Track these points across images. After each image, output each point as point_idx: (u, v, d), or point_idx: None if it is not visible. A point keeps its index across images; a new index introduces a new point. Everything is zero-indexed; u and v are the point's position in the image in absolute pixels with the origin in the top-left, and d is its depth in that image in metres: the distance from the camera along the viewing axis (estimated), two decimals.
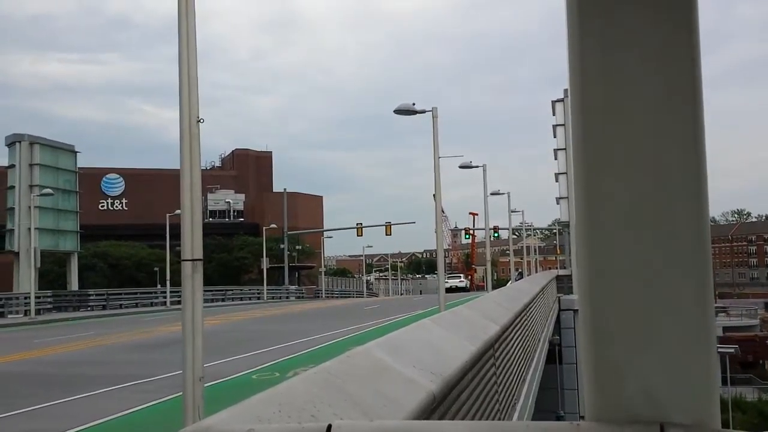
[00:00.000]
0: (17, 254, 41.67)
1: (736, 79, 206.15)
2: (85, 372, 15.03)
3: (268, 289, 59.79)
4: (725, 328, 55.28)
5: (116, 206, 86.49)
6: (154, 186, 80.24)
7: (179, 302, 8.14)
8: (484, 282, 63.12)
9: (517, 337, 8.90)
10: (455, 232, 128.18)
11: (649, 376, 1.07)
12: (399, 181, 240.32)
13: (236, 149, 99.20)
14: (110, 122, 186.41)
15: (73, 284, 47.10)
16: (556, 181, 38.65)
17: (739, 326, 60.67)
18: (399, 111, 23.35)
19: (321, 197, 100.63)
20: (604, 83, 1.06)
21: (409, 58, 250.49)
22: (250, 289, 61.84)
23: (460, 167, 35.79)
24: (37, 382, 13.95)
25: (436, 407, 2.92)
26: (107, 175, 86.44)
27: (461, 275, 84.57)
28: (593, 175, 1.07)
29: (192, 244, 7.73)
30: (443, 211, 37.12)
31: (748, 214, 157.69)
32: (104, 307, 43.17)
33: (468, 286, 76.55)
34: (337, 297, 70.48)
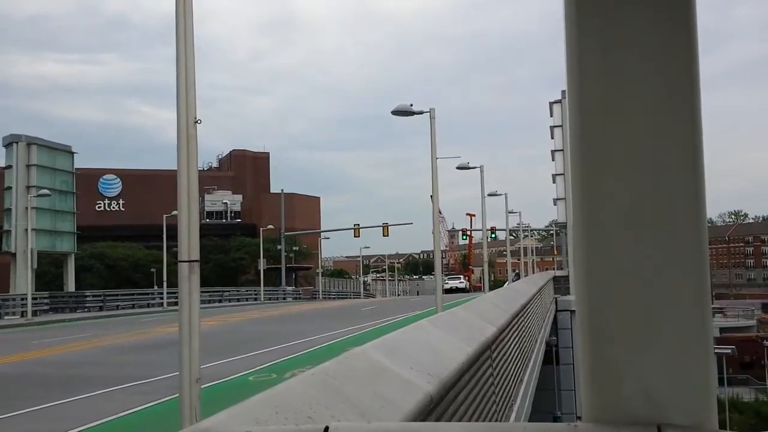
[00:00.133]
0: (14, 255, 41.59)
1: (734, 79, 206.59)
2: (83, 373, 15.00)
3: (265, 290, 59.76)
4: (722, 329, 55.43)
5: (113, 207, 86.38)
6: (151, 187, 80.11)
7: (176, 303, 8.13)
8: (481, 283, 63.17)
9: (514, 338, 8.90)
10: (452, 233, 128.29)
11: (646, 376, 1.07)
12: (397, 181, 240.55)
13: (233, 150, 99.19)
14: (108, 123, 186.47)
15: (70, 285, 47.02)
16: (554, 182, 38.72)
17: (736, 327, 60.85)
18: (396, 112, 23.35)
19: (318, 198, 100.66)
20: (602, 83, 1.06)
21: (409, 59, 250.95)
22: (247, 290, 61.80)
23: (458, 168, 35.84)
24: (35, 383, 13.93)
25: (433, 408, 2.92)
26: (104, 176, 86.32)
27: (461, 276, 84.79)
28: (591, 175, 1.07)
29: (189, 245, 7.72)
30: (440, 212, 37.18)
31: (745, 215, 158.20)
32: (101, 309, 43.09)
33: (467, 287, 76.66)
34: (334, 298, 70.48)
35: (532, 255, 76.61)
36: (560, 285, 34.62)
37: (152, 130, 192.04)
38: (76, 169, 48.19)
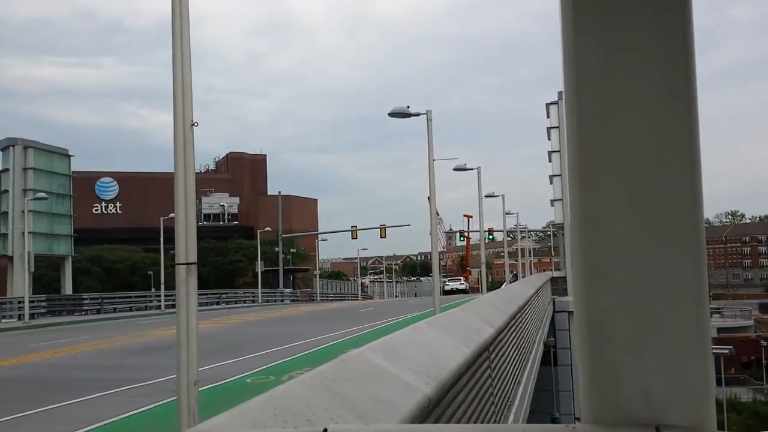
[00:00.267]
0: (11, 258, 41.53)
1: (731, 79, 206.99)
2: (81, 376, 14.98)
3: (262, 293, 59.71)
4: (719, 329, 55.51)
5: (110, 210, 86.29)
6: (148, 189, 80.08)
7: (174, 306, 8.11)
8: (479, 284, 63.21)
9: (512, 340, 8.91)
10: (450, 235, 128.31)
11: (645, 377, 1.07)
12: (394, 183, 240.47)
13: (230, 152, 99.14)
14: (105, 126, 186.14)
15: (67, 288, 46.95)
16: (551, 183, 38.79)
17: (733, 327, 60.94)
18: (393, 114, 23.34)
19: (316, 200, 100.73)
20: (599, 84, 1.06)
21: (408, 60, 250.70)
22: (244, 293, 61.73)
23: (455, 170, 35.84)
24: (33, 386, 13.89)
25: (431, 410, 2.92)
26: (101, 179, 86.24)
27: (461, 278, 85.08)
28: (589, 176, 1.07)
29: (186, 247, 7.71)
30: (438, 214, 37.18)
31: (742, 215, 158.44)
32: (98, 311, 43.00)
33: (468, 288, 76.85)
34: (332, 300, 70.44)
35: (530, 256, 76.70)
36: (558, 286, 34.62)
37: (149, 133, 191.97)
38: (73, 172, 48.14)
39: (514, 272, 63.59)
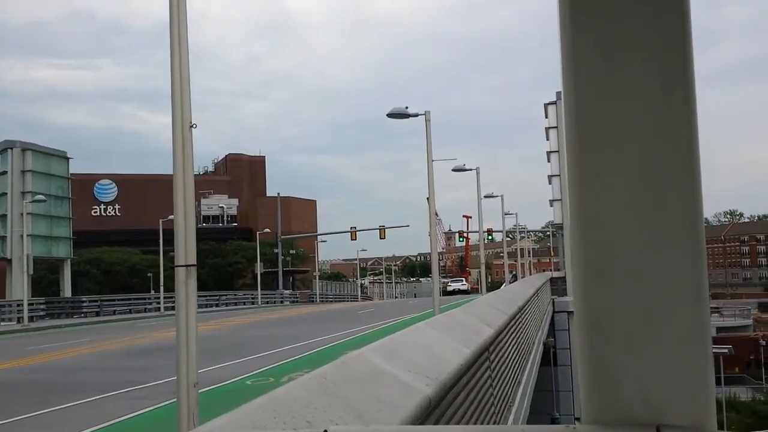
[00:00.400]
0: (10, 261, 41.53)
1: (729, 79, 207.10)
2: (80, 379, 14.97)
3: (262, 294, 59.72)
4: (719, 329, 55.53)
5: (109, 212, 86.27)
6: (147, 191, 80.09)
7: (173, 308, 8.11)
8: (478, 285, 63.24)
9: (512, 340, 8.91)
10: (449, 235, 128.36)
11: (645, 377, 1.07)
12: (394, 184, 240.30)
13: (229, 154, 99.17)
14: (103, 128, 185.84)
15: (66, 291, 46.93)
16: (550, 183, 38.79)
17: (732, 326, 60.97)
18: (392, 114, 23.36)
19: (315, 201, 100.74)
20: (598, 83, 1.06)
21: (407, 60, 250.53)
22: (244, 294, 61.74)
23: (454, 170, 35.84)
24: (32, 389, 13.89)
25: (431, 411, 2.92)
26: (100, 181, 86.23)
27: (463, 279, 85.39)
28: (588, 175, 1.07)
29: (186, 249, 7.70)
30: (437, 214, 37.19)
31: (741, 214, 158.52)
32: (98, 314, 42.98)
33: (469, 289, 77.04)
34: (331, 301, 70.45)
35: (529, 256, 76.77)
36: (557, 286, 34.63)
37: (148, 134, 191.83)
38: (71, 174, 48.15)
39: (514, 272, 63.60)
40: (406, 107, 23.24)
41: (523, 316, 11.69)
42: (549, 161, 38.90)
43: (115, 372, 16.03)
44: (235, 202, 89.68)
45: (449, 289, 73.99)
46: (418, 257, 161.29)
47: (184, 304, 7.59)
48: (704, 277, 1.06)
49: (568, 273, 36.60)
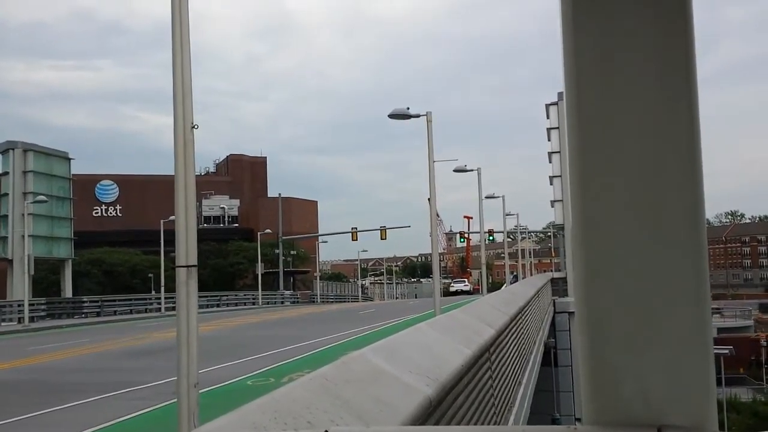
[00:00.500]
0: (11, 261, 41.53)
1: (730, 79, 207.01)
2: (81, 379, 14.97)
3: (263, 295, 59.71)
4: (720, 329, 55.54)
5: (110, 213, 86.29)
6: (148, 192, 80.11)
7: (174, 308, 8.10)
8: (479, 285, 63.23)
9: (513, 340, 8.90)
10: (450, 236, 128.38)
11: (646, 378, 1.07)
12: (394, 184, 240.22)
13: (230, 155, 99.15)
14: (104, 129, 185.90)
15: (67, 291, 46.93)
16: (551, 184, 38.80)
17: (733, 327, 60.95)
18: (393, 115, 23.34)
19: (315, 202, 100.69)
20: (599, 84, 1.06)
21: (407, 61, 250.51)
22: (245, 295, 61.74)
23: (455, 171, 35.82)
24: (32, 389, 13.89)
25: (432, 411, 2.91)
26: (101, 182, 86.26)
27: (465, 280, 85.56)
28: (590, 176, 1.07)
29: (186, 249, 7.70)
30: (438, 215, 37.19)
31: (742, 215, 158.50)
32: (98, 314, 42.98)
33: (472, 289, 77.19)
34: (332, 301, 70.46)
35: (530, 257, 76.72)
36: (558, 287, 34.65)
37: (149, 135, 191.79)
38: (72, 175, 48.16)
39: (515, 273, 63.62)
40: (408, 108, 23.23)
41: (524, 316, 11.68)
42: (550, 162, 38.92)
43: (116, 372, 16.04)
44: (236, 202, 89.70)
45: (452, 289, 74.56)
46: (419, 258, 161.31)
47: (185, 305, 7.59)
48: (705, 277, 1.06)
49: (569, 274, 36.61)
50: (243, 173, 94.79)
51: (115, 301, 46.94)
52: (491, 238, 70.56)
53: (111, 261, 67.83)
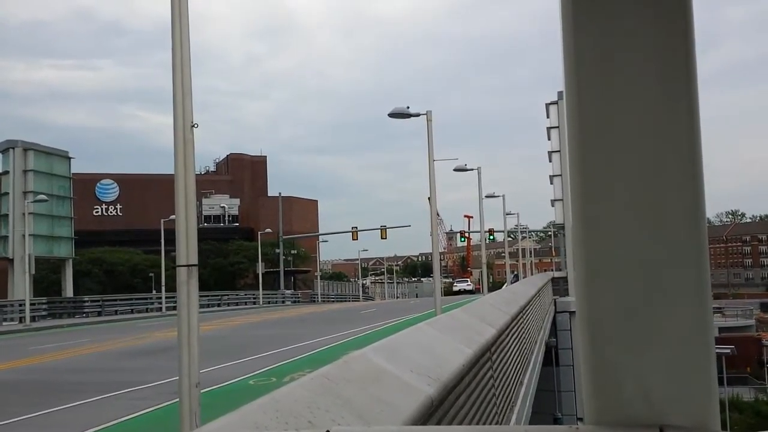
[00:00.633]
0: (11, 261, 41.54)
1: (728, 79, 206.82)
2: (81, 379, 14.97)
3: (263, 294, 59.73)
4: (721, 329, 55.55)
5: (111, 212, 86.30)
6: (148, 191, 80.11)
7: (175, 308, 8.11)
8: (480, 284, 63.24)
9: (514, 340, 8.90)
10: (451, 235, 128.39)
11: (647, 377, 1.07)
12: (394, 184, 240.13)
13: (231, 154, 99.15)
14: (105, 128, 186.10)
15: (68, 291, 46.95)
16: (551, 183, 38.79)
17: (734, 327, 60.94)
18: (393, 114, 23.33)
19: (316, 201, 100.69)
20: (599, 84, 1.06)
21: (407, 61, 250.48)
22: (245, 294, 61.75)
23: (455, 170, 35.80)
24: (33, 389, 13.89)
25: (433, 411, 2.91)
26: (101, 181, 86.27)
27: (467, 279, 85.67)
28: (590, 175, 1.07)
29: (187, 249, 7.70)
30: (438, 214, 37.18)
31: (743, 214, 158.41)
32: (99, 314, 43.00)
33: (474, 289, 77.27)
34: (333, 301, 70.48)
35: (531, 256, 76.75)
36: (559, 286, 34.63)
37: (149, 134, 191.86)
38: (73, 174, 48.17)
39: (515, 273, 63.61)
40: (408, 107, 23.23)
41: (525, 316, 11.68)
42: (550, 161, 38.91)
43: (117, 372, 16.04)
44: (236, 202, 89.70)
45: (455, 289, 74.93)
46: (420, 257, 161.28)
47: (186, 304, 7.59)
48: (707, 277, 1.06)
49: (569, 273, 36.61)
50: (243, 172, 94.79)
51: (116, 300, 46.95)
52: (492, 237, 70.61)
53: (111, 260, 67.85)
